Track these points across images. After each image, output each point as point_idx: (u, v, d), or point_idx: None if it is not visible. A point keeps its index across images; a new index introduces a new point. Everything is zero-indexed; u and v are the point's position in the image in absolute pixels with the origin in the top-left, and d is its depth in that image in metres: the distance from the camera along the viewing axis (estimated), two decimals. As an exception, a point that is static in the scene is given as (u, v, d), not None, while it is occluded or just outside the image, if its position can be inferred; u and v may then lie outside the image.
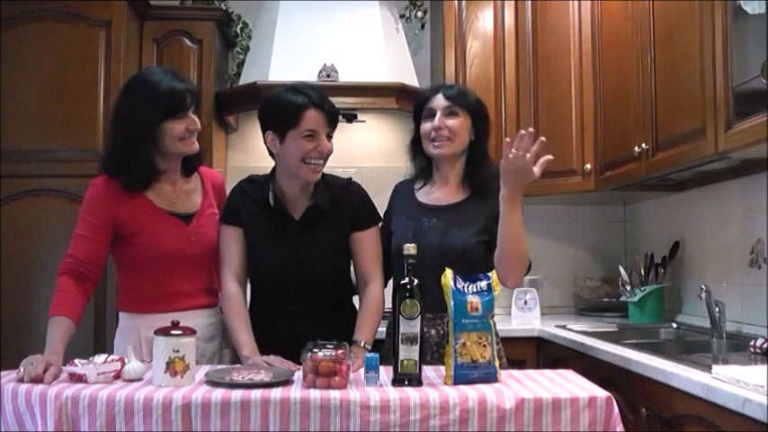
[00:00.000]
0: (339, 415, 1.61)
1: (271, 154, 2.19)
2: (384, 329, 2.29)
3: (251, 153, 3.71)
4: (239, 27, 3.70)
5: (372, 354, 1.80)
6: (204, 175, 2.30)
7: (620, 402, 1.85)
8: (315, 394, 1.64)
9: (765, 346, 2.15)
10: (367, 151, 3.77)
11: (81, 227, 2.11)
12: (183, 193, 2.22)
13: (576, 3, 3.29)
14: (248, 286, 2.25)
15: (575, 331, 2.81)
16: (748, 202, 2.63)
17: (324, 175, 2.20)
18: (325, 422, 1.61)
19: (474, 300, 1.81)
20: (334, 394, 1.64)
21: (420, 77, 3.66)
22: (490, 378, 1.78)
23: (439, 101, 2.22)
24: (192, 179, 2.26)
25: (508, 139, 1.96)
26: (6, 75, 3.07)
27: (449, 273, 1.85)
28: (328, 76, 3.34)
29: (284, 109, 2.09)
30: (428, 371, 1.90)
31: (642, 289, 3.15)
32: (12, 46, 3.09)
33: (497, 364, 1.82)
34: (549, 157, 1.97)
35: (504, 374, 1.85)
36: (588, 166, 3.21)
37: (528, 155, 1.92)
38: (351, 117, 3.49)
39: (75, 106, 3.08)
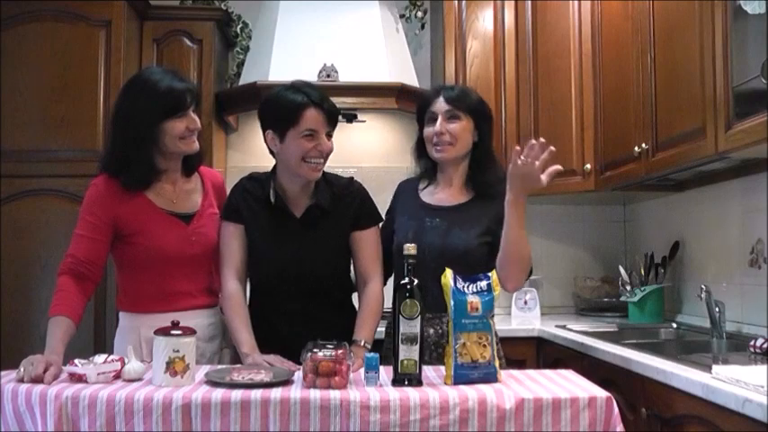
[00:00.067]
0: (339, 415, 1.61)
1: (271, 152, 2.19)
2: (383, 329, 2.30)
3: (251, 153, 3.71)
4: (239, 27, 3.70)
5: (372, 354, 1.80)
6: (204, 174, 2.30)
7: (620, 402, 1.85)
8: (315, 394, 1.64)
9: (765, 346, 2.15)
10: (367, 151, 3.77)
11: (81, 227, 2.11)
12: (184, 192, 2.22)
13: (576, 3, 3.29)
14: (248, 286, 2.25)
15: (575, 331, 2.81)
16: (748, 202, 2.63)
17: (325, 174, 2.20)
18: (325, 422, 1.61)
19: (474, 300, 1.81)
20: (334, 394, 1.64)
21: (420, 77, 3.66)
22: (490, 378, 1.78)
23: (440, 104, 2.20)
24: (193, 179, 2.26)
25: (518, 148, 1.97)
26: (6, 75, 3.07)
27: (449, 273, 1.85)
28: (328, 76, 3.34)
29: (284, 108, 2.09)
30: (428, 371, 1.90)
31: (642, 289, 3.15)
32: (12, 46, 3.09)
33: (497, 364, 1.82)
34: (558, 167, 1.98)
35: (504, 374, 1.85)
36: (588, 166, 3.22)
37: (537, 162, 1.93)
38: (351, 117, 3.49)
39: (75, 106, 3.08)
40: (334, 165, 2.22)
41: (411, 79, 3.55)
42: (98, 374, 1.75)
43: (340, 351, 1.73)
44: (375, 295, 2.17)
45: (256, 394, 1.63)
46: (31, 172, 3.05)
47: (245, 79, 3.54)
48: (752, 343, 2.21)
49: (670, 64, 2.53)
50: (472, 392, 1.67)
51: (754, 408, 1.50)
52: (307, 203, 2.18)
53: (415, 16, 3.77)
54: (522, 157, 1.93)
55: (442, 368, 1.88)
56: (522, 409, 1.64)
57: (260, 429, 1.61)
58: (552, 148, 1.95)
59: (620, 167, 2.95)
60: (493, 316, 1.84)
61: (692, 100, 2.35)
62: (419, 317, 1.78)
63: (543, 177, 1.95)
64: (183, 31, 3.40)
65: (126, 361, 1.82)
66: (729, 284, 2.73)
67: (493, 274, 1.89)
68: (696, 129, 2.33)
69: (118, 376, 1.80)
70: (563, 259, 3.74)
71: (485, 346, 1.79)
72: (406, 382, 1.75)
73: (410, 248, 1.83)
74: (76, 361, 1.79)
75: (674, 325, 2.98)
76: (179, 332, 1.78)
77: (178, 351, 1.74)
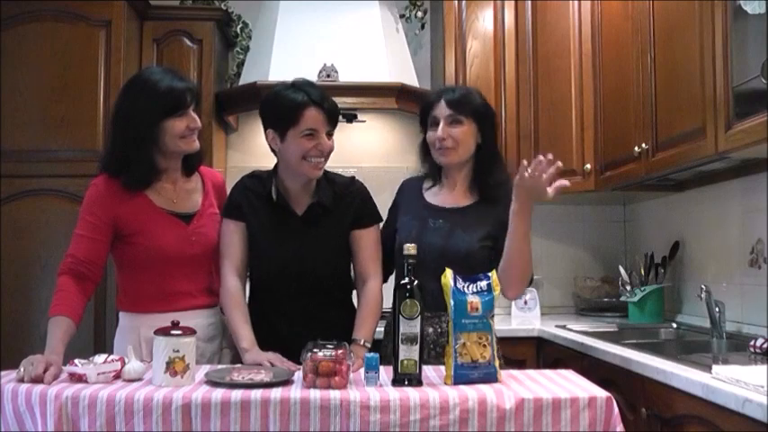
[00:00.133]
0: (339, 415, 1.61)
1: (273, 151, 2.19)
2: (382, 329, 2.30)
3: (251, 153, 3.71)
4: (239, 27, 3.70)
5: (372, 354, 1.80)
6: (205, 174, 2.30)
7: (620, 402, 1.85)
8: (315, 394, 1.64)
9: (765, 346, 2.15)
10: (367, 151, 3.77)
11: (81, 226, 2.11)
12: (184, 192, 2.22)
13: (576, 3, 3.29)
14: (247, 286, 2.25)
15: (575, 331, 2.81)
16: (748, 202, 2.63)
17: (326, 172, 2.20)
18: (325, 422, 1.61)
19: (474, 300, 1.81)
20: (334, 394, 1.64)
21: (420, 77, 3.66)
22: (490, 378, 1.78)
23: (442, 109, 2.19)
24: (193, 179, 2.26)
25: (525, 162, 1.98)
26: (6, 75, 3.07)
27: (449, 273, 1.85)
28: (328, 76, 3.34)
29: (284, 107, 2.09)
30: (428, 371, 1.90)
31: (642, 289, 3.15)
32: (12, 46, 3.09)
33: (497, 364, 1.82)
34: (565, 182, 1.98)
35: (504, 374, 1.84)
36: (588, 166, 3.22)
37: (544, 176, 1.94)
38: (351, 117, 3.49)
39: (75, 106, 3.08)
40: (334, 165, 2.21)
41: (411, 79, 3.55)
42: (98, 374, 1.75)
43: (340, 351, 1.72)
44: (374, 294, 2.17)
45: (256, 394, 1.63)
46: (31, 172, 3.05)
47: (245, 79, 3.54)
48: (752, 343, 2.21)
49: (670, 64, 2.53)
50: (472, 392, 1.67)
51: (754, 408, 1.50)
52: (308, 201, 2.18)
53: (415, 16, 3.77)
54: (528, 170, 1.94)
55: (442, 368, 1.88)
56: (522, 409, 1.64)
57: (260, 429, 1.61)
58: (560, 163, 1.96)
59: (620, 167, 2.95)
60: (493, 316, 1.84)
61: (692, 100, 2.35)
62: (419, 317, 1.78)
63: (549, 190, 1.96)
64: (182, 31, 3.40)
65: (126, 361, 1.82)
66: (729, 284, 2.73)
67: (493, 274, 1.89)
68: (696, 129, 2.33)
69: (118, 376, 1.80)
70: (563, 259, 3.74)
71: (485, 346, 1.79)
72: (406, 382, 1.75)
73: (410, 248, 1.83)
74: (76, 361, 1.79)
75: (674, 325, 2.98)
76: (179, 332, 1.78)
77: (178, 351, 1.74)
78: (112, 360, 1.81)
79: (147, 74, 2.20)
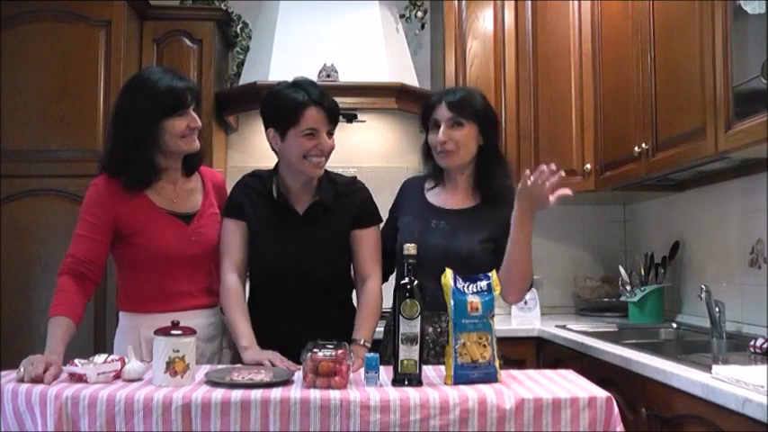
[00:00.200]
0: (339, 415, 1.61)
1: (273, 149, 2.19)
2: (382, 329, 2.29)
3: (251, 153, 3.71)
4: (239, 27, 3.70)
5: (372, 354, 1.80)
6: (205, 174, 2.30)
7: (620, 402, 1.85)
8: (315, 394, 1.64)
9: (765, 346, 2.15)
10: (367, 151, 3.77)
11: (81, 226, 2.11)
12: (184, 192, 2.22)
13: (576, 3, 3.30)
14: (247, 286, 2.25)
15: (575, 331, 2.81)
16: (748, 202, 2.63)
17: (328, 172, 2.20)
18: (325, 422, 1.61)
19: (474, 300, 1.81)
20: (334, 394, 1.64)
21: (420, 77, 3.66)
22: (490, 378, 1.78)
23: (443, 111, 2.18)
24: (193, 179, 2.26)
25: (528, 171, 1.98)
26: (6, 75, 3.07)
27: (449, 273, 1.85)
28: (328, 76, 3.34)
29: (284, 107, 2.09)
30: (428, 371, 1.90)
31: (642, 289, 3.15)
32: (12, 46, 3.09)
33: (497, 364, 1.82)
34: (567, 191, 1.99)
35: (504, 374, 1.84)
36: (588, 166, 3.22)
37: (547, 184, 1.94)
38: (351, 117, 3.49)
39: (75, 106, 3.08)
40: (334, 165, 2.22)
41: (411, 79, 3.55)
42: (98, 374, 1.75)
43: (340, 351, 1.72)
44: (373, 294, 2.17)
45: (256, 394, 1.63)
46: (31, 172, 3.04)
47: (245, 79, 3.54)
48: (752, 343, 2.21)
49: (670, 64, 2.53)
50: (472, 392, 1.67)
51: (754, 408, 1.50)
52: (309, 201, 2.19)
53: (415, 16, 3.77)
54: (531, 178, 1.95)
55: (442, 368, 1.88)
56: (522, 409, 1.64)
57: (260, 429, 1.61)
58: (562, 172, 1.97)
59: (620, 167, 2.95)
60: (493, 316, 1.84)
61: (692, 100, 2.35)
62: (419, 317, 1.78)
63: (551, 198, 1.96)
64: (182, 31, 3.40)
65: (126, 361, 1.82)
66: (729, 284, 2.73)
67: (493, 274, 1.88)
68: (696, 129, 2.33)
69: (118, 376, 1.80)
70: (563, 259, 3.74)
71: (485, 346, 1.79)
72: (406, 382, 1.75)
73: (410, 248, 1.83)
74: (76, 361, 1.79)
75: (674, 325, 2.98)
76: (179, 332, 1.78)
77: (178, 351, 1.74)
78: (112, 360, 1.81)
79: (146, 73, 2.20)
